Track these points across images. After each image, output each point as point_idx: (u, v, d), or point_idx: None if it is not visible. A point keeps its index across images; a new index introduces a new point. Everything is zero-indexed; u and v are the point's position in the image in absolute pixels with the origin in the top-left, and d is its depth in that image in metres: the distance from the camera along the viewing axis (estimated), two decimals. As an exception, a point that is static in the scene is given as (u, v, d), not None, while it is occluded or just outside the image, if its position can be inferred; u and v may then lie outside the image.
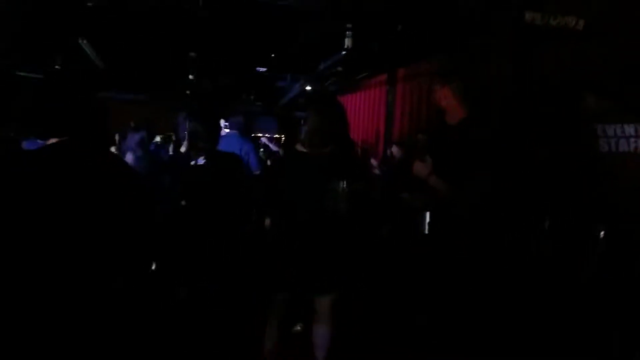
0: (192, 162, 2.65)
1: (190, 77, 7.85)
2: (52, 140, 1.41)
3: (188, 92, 10.47)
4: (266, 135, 10.04)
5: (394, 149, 5.63)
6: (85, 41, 5.45)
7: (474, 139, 2.10)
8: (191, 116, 2.66)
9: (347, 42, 4.73)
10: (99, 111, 1.52)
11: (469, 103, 2.23)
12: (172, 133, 7.00)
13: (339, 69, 6.55)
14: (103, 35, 5.56)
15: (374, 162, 6.01)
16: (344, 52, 4.88)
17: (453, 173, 2.09)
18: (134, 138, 4.86)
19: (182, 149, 4.29)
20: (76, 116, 1.45)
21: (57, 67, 6.71)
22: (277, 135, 11.82)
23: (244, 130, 4.67)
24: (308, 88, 7.88)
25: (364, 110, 8.07)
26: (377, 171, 5.77)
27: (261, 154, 6.90)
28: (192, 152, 2.65)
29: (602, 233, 1.95)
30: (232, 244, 2.72)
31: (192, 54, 6.64)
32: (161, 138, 7.12)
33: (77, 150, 1.41)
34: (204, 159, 2.68)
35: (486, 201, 2.09)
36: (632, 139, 2.00)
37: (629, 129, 2.02)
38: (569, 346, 2.02)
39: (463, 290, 2.16)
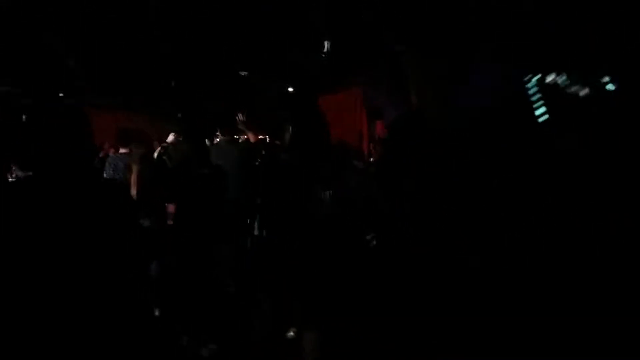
0: None
1: (172, 83, 7.78)
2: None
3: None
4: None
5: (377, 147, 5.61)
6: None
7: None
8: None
9: (327, 45, 4.80)
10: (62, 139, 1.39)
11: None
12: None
13: (319, 70, 6.59)
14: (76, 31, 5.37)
15: (358, 163, 5.98)
16: (323, 55, 4.95)
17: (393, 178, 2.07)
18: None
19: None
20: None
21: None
22: (261, 136, 11.72)
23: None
24: (290, 89, 7.92)
25: (345, 109, 8.10)
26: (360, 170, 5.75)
27: None
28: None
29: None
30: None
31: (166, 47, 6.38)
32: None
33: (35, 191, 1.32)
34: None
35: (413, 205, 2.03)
36: None
37: None
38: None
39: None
